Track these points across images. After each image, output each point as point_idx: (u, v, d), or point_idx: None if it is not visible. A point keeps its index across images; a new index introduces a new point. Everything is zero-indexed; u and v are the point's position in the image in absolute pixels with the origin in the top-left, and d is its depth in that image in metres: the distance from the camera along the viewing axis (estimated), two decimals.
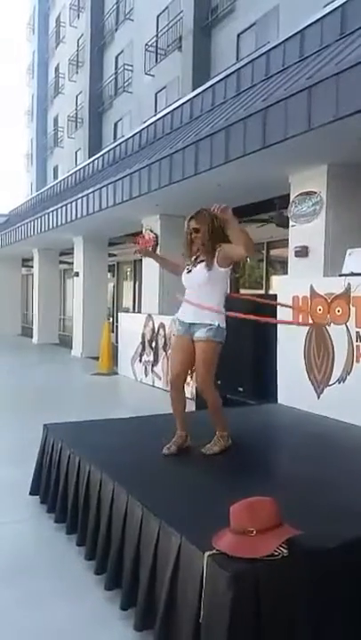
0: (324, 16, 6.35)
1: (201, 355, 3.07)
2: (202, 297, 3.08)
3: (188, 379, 3.73)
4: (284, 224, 7.09)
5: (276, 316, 4.68)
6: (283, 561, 1.81)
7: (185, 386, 3.36)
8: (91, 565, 2.64)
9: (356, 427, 3.77)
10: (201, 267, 3.09)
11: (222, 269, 3.08)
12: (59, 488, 3.21)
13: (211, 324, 3.05)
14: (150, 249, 9.35)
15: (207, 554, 1.84)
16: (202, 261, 3.09)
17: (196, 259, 3.16)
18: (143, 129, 10.95)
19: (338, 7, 6.18)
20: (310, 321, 4.35)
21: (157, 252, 9.24)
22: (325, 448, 3.51)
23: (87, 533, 2.76)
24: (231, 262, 3.07)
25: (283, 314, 4.66)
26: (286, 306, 4.49)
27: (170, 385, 3.29)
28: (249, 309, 4.00)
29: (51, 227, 12.03)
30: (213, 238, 3.04)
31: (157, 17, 15.74)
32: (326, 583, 1.89)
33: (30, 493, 3.55)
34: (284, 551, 1.83)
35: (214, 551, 1.85)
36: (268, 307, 4.64)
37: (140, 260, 11.24)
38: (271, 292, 9.72)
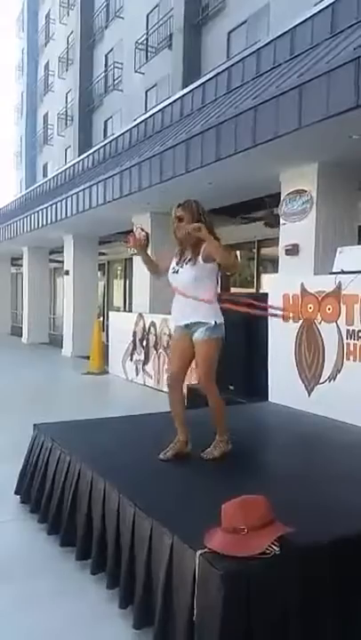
0: (315, 14, 6.36)
1: (201, 354, 2.99)
2: (191, 295, 3.00)
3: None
4: (274, 223, 7.11)
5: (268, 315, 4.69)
6: (275, 559, 1.81)
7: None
8: (83, 564, 2.62)
9: (347, 424, 3.78)
10: (188, 267, 3.01)
11: (208, 265, 2.99)
12: (47, 488, 3.18)
13: (207, 323, 2.98)
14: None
15: (199, 552, 1.83)
16: (189, 260, 3.02)
17: (181, 257, 3.08)
18: (133, 127, 10.92)
19: (328, 6, 6.20)
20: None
21: (148, 250, 9.21)
22: (316, 446, 3.52)
23: (78, 533, 2.74)
24: (215, 260, 2.97)
25: (275, 311, 4.66)
26: (276, 309, 4.47)
27: (168, 386, 3.19)
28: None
29: (40, 225, 11.95)
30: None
31: (147, 15, 15.68)
32: (318, 580, 1.89)
33: (15, 493, 3.52)
34: (276, 549, 1.83)
35: (206, 550, 1.84)
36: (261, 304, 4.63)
37: (131, 258, 11.20)
38: (262, 290, 9.73)
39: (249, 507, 1.91)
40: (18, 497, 3.51)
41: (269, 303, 4.67)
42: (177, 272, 3.07)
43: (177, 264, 3.10)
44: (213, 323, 2.98)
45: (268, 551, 1.81)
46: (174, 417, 3.14)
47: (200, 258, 2.98)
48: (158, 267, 3.28)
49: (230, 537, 1.86)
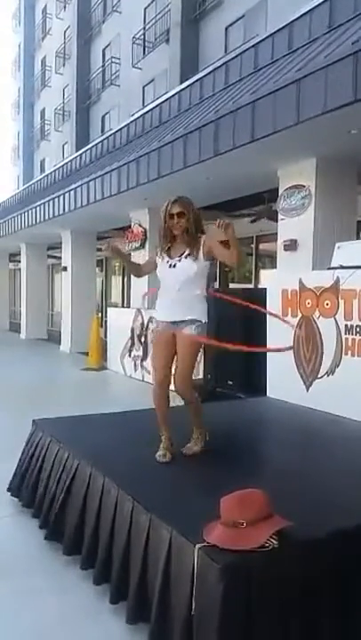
0: (313, 8, 6.33)
1: (187, 352, 2.95)
2: (186, 291, 2.95)
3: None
4: (272, 218, 7.10)
5: (266, 308, 4.69)
6: (273, 552, 1.82)
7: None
8: (72, 560, 2.62)
9: (345, 419, 3.79)
10: (188, 261, 2.95)
11: (207, 262, 2.98)
12: (44, 484, 3.18)
13: (198, 321, 2.95)
14: (139, 243, 9.34)
15: (198, 546, 1.84)
16: (188, 255, 2.95)
17: (173, 252, 3.01)
18: (131, 122, 10.88)
19: (326, 0, 6.17)
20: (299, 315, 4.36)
21: (146, 245, 9.23)
22: (314, 440, 3.53)
23: (69, 528, 2.74)
24: (214, 257, 2.97)
25: (272, 308, 4.66)
26: (271, 314, 4.45)
27: (157, 384, 3.09)
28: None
29: (38, 221, 11.93)
30: (197, 226, 2.95)
31: (145, 9, 15.61)
32: (317, 574, 1.89)
33: (8, 489, 3.52)
34: (275, 543, 1.83)
35: (205, 544, 1.85)
36: (257, 298, 4.62)
37: (129, 254, 11.19)
38: (260, 285, 9.74)
39: (248, 501, 1.92)
40: (11, 492, 3.50)
41: (268, 303, 4.66)
42: (174, 266, 2.98)
43: (171, 258, 3.01)
44: (203, 321, 2.97)
45: (266, 545, 1.82)
46: (160, 415, 3.09)
47: (201, 253, 2.93)
48: (140, 267, 3.32)
49: (229, 531, 1.87)
